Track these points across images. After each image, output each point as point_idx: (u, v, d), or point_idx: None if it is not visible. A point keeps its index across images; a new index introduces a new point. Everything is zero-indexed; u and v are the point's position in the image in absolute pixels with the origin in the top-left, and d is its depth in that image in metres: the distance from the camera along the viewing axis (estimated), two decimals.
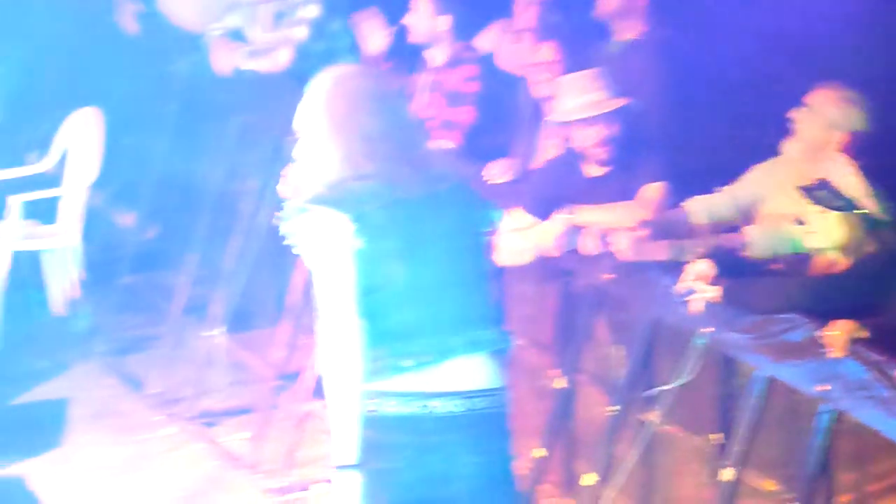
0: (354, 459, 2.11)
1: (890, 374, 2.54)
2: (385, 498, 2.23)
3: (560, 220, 3.64)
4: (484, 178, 4.40)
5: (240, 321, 5.30)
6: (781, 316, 2.89)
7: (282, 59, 5.70)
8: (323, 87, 2.32)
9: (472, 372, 2.24)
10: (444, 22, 4.68)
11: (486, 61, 4.84)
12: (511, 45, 4.82)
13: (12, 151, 6.44)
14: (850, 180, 3.05)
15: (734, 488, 2.99)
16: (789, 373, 2.88)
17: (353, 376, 2.14)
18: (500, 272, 2.46)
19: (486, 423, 2.26)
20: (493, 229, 2.43)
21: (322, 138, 2.25)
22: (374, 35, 5.12)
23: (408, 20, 4.80)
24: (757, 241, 3.21)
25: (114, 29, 6.50)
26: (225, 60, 5.80)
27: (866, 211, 2.99)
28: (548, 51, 4.30)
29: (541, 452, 2.96)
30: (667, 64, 4.24)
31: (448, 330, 2.24)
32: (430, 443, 2.21)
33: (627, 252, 3.41)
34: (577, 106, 3.70)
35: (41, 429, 4.95)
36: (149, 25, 6.34)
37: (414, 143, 2.36)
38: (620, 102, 3.77)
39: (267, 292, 5.50)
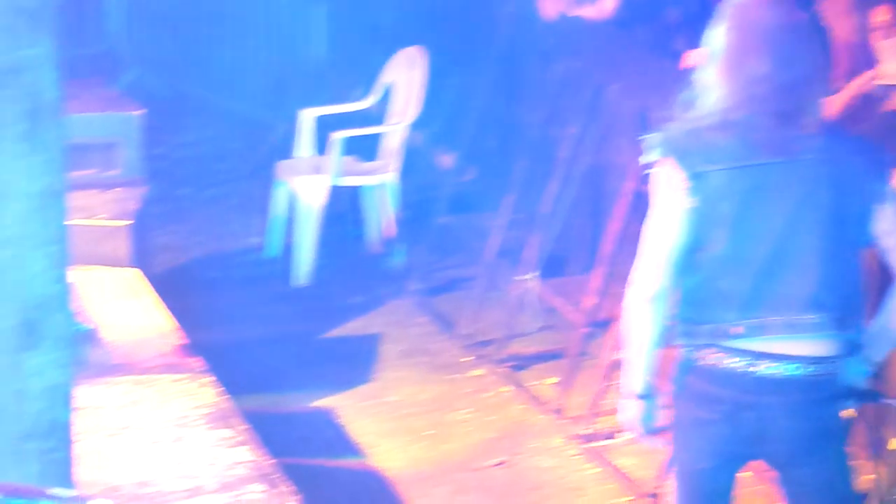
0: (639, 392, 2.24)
1: None
2: (698, 446, 2.28)
3: None
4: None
5: (553, 267, 5.20)
6: None
7: (608, 6, 5.69)
8: (723, 13, 2.17)
9: (801, 342, 2.18)
10: None
11: None
12: None
13: (337, 88, 6.75)
14: None
15: None
16: None
17: (652, 325, 2.20)
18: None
19: (810, 389, 2.20)
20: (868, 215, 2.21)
21: (709, 70, 2.13)
22: None
23: None
24: None
25: None
26: (551, 6, 5.83)
27: None
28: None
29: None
30: None
31: (784, 309, 2.17)
32: (748, 401, 2.20)
33: None
34: None
35: (353, 363, 5.06)
36: None
37: (806, 98, 2.13)
38: None
39: (581, 239, 5.44)
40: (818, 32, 2.85)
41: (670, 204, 2.14)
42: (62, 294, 2.06)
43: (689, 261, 2.15)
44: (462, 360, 4.96)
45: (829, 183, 2.11)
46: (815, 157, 2.09)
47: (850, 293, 2.18)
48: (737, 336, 2.13)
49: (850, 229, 2.15)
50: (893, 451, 3.45)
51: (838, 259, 2.14)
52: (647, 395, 2.26)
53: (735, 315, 2.13)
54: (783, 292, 2.14)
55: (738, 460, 2.36)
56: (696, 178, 2.11)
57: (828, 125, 2.29)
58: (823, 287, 2.13)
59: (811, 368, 2.16)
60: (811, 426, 2.22)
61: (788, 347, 2.14)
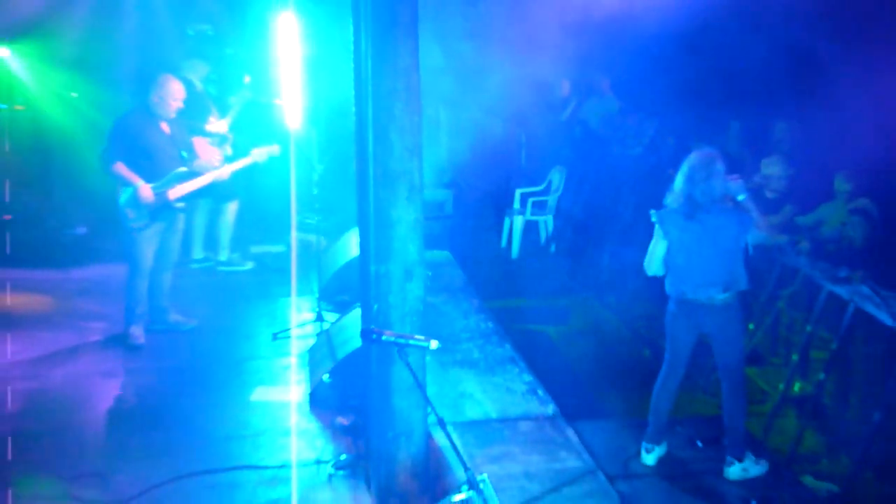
0: None
1: None
2: (676, 329, 5.95)
3: None
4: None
5: None
6: None
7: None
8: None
9: (705, 293, 5.70)
10: None
11: None
12: None
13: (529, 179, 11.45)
14: None
15: None
16: None
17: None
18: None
19: (712, 307, 5.64)
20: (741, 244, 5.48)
21: (676, 181, 5.82)
22: None
23: None
24: None
25: None
26: None
27: None
28: None
29: None
30: None
31: (701, 283, 5.48)
32: (690, 310, 5.88)
33: None
34: None
35: None
36: None
37: (702, 196, 5.60)
38: None
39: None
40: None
41: (658, 239, 5.46)
42: (421, 260, 5.05)
43: (665, 261, 5.50)
44: None
45: (716, 231, 5.36)
46: (708, 218, 5.32)
47: (728, 278, 5.42)
48: (684, 290, 5.51)
49: (729, 247, 5.42)
50: None
51: (721, 253, 5.43)
52: None
53: (683, 284, 5.51)
54: (697, 276, 5.48)
55: (691, 333, 5.63)
56: (665, 229, 5.44)
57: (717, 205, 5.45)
58: (713, 274, 5.44)
59: (709, 301, 5.45)
60: (713, 320, 5.48)
61: (699, 295, 5.50)
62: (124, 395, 7.34)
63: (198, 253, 9.85)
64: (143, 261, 7.54)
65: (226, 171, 7.94)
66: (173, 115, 7.46)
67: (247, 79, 9.70)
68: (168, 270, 7.91)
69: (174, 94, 7.38)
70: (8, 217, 10.35)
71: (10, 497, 5.86)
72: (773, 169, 7.63)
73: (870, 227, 6.89)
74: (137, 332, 7.68)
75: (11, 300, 9.19)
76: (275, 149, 8.28)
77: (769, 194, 7.38)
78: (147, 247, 7.46)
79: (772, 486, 5.90)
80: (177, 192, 7.53)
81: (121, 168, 7.20)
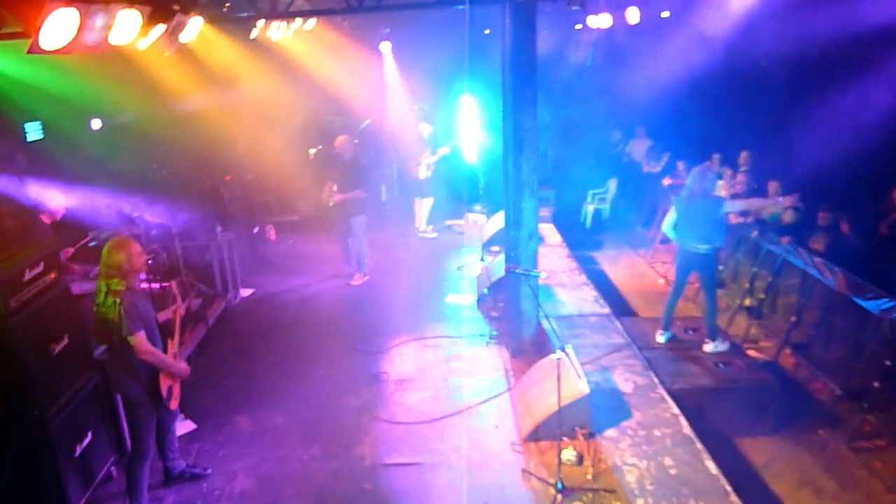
0: None
1: None
2: (678, 265, 7.02)
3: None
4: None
5: None
6: None
7: None
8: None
9: (693, 244, 6.84)
10: None
11: None
12: None
13: None
14: None
15: None
16: None
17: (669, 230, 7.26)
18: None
19: (696, 253, 6.68)
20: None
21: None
22: None
23: None
24: None
25: None
26: None
27: None
28: None
29: None
30: None
31: (693, 238, 6.71)
32: (686, 253, 6.78)
33: None
34: None
35: None
36: None
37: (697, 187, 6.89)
38: None
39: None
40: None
41: (672, 213, 7.00)
42: (536, 228, 6.54)
43: (675, 225, 6.96)
44: None
45: (703, 209, 6.73)
46: (700, 202, 6.77)
47: (708, 237, 6.68)
48: (683, 242, 6.94)
49: (710, 218, 6.67)
50: None
51: (705, 222, 6.76)
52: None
53: (683, 238, 6.90)
54: (690, 234, 6.81)
55: (686, 267, 7.05)
56: (677, 207, 6.97)
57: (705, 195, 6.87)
58: (699, 234, 6.74)
59: (697, 249, 6.80)
60: (699, 261, 6.83)
61: (690, 245, 6.86)
62: (377, 298, 8.43)
63: (421, 226, 11.37)
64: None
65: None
66: None
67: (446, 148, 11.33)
68: None
69: None
70: None
71: (323, 345, 7.05)
72: (740, 178, 9.08)
73: (797, 213, 7.60)
74: (359, 278, 9.13)
75: None
76: (447, 149, 10.15)
77: (739, 192, 8.97)
78: None
79: (731, 356, 6.64)
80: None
81: None
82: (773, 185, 8.56)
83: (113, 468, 4.90)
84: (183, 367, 4.49)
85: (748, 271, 8.23)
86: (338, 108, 12.58)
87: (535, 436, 5.17)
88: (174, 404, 4.56)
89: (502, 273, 7.13)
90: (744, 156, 9.78)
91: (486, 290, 7.67)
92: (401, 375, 6.35)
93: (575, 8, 6.94)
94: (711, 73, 9.81)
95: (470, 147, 9.70)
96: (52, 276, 4.51)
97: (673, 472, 4.75)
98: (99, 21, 4.47)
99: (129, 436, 4.53)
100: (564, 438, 4.99)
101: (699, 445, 5.01)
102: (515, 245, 6.13)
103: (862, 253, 7.03)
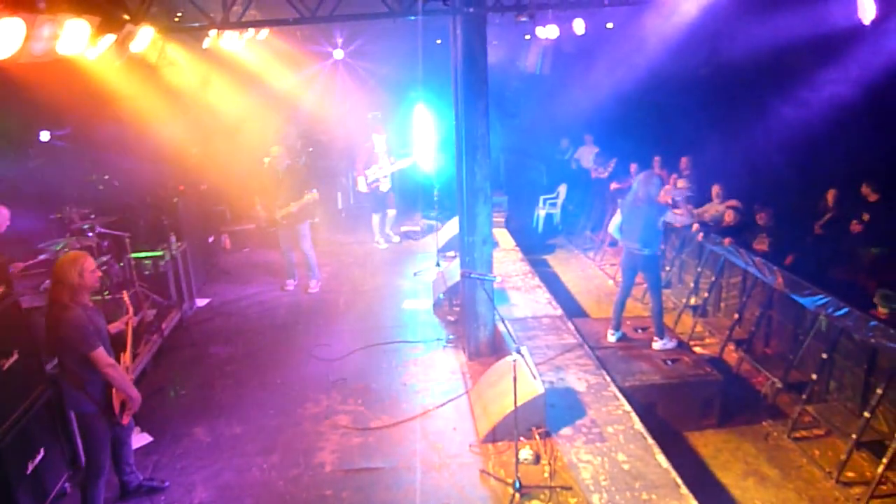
0: None
1: None
2: (623, 266, 7.25)
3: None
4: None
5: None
6: None
7: None
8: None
9: (632, 246, 7.10)
10: None
11: None
12: None
13: None
14: None
15: None
16: None
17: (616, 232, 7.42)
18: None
19: (637, 256, 6.86)
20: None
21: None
22: None
23: None
24: None
25: None
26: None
27: None
28: None
29: None
30: None
31: (636, 241, 6.87)
32: (629, 254, 6.93)
33: None
34: None
35: None
36: None
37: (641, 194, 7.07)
38: None
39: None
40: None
41: (618, 215, 7.16)
42: (490, 234, 6.65)
43: (619, 228, 7.15)
44: None
45: (646, 214, 6.89)
46: (643, 207, 6.93)
47: (647, 240, 6.85)
48: (627, 244, 7.11)
49: (651, 223, 6.87)
50: None
51: (646, 226, 6.93)
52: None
53: (627, 240, 7.03)
54: (633, 237, 6.95)
55: (632, 268, 7.18)
56: (622, 210, 7.10)
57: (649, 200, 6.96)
58: (640, 237, 6.89)
59: (640, 251, 6.93)
60: (642, 262, 6.98)
61: (634, 247, 7.01)
62: (334, 305, 8.42)
63: (376, 236, 11.48)
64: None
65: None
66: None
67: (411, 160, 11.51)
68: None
69: None
70: None
71: (281, 353, 7.06)
72: (680, 183, 9.37)
73: (737, 215, 7.89)
74: (315, 284, 9.10)
75: None
76: (409, 161, 10.04)
77: (678, 197, 9.15)
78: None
79: (678, 353, 6.80)
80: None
81: None
82: (715, 189, 8.89)
83: (67, 485, 4.81)
84: (136, 394, 4.35)
85: (693, 271, 8.49)
86: (293, 117, 12.44)
87: (493, 436, 5.24)
88: (126, 419, 4.46)
89: (458, 278, 7.24)
90: (685, 161, 10.02)
91: (441, 295, 7.75)
92: (359, 381, 6.35)
93: (523, 19, 7.07)
94: (655, 81, 10.04)
95: (424, 155, 9.75)
96: (0, 290, 4.40)
97: (626, 466, 4.85)
98: (46, 31, 4.44)
99: (84, 451, 4.41)
100: (521, 438, 5.07)
101: (650, 440, 5.13)
102: (470, 250, 6.21)
103: (800, 252, 7.15)
